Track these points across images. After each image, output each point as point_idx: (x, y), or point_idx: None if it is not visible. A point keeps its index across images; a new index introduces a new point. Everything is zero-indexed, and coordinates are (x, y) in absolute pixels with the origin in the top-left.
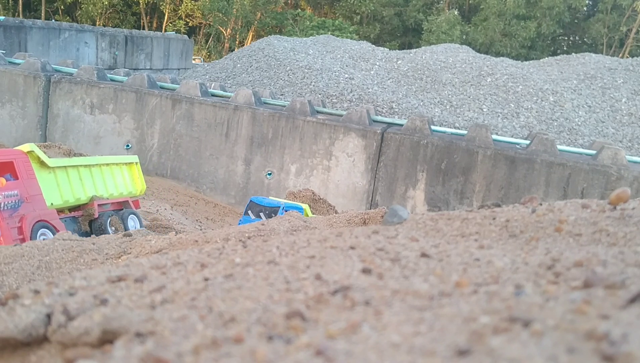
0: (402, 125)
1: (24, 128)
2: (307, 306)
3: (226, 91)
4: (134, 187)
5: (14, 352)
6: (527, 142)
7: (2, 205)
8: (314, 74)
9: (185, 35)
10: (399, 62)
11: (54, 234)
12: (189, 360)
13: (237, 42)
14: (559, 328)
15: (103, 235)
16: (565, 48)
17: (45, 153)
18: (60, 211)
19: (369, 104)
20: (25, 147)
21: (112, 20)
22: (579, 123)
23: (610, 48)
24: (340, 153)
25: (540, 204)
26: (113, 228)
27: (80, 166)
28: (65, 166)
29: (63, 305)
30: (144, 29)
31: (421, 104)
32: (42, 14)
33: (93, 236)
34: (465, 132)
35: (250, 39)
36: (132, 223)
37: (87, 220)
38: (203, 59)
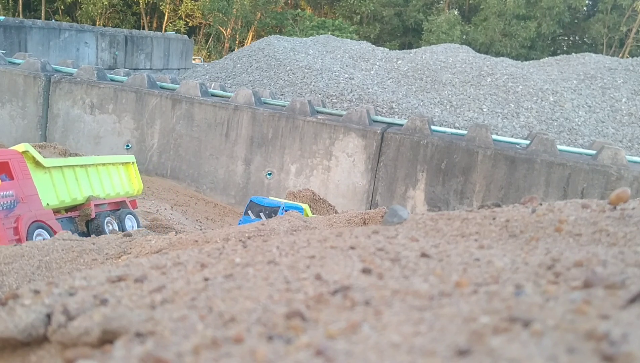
0: (402, 125)
1: (24, 128)
2: (307, 306)
3: (226, 91)
4: (131, 187)
5: (14, 352)
6: (527, 142)
7: None
8: (314, 74)
9: (185, 35)
10: (399, 62)
11: (50, 234)
12: (189, 360)
13: (237, 42)
14: (559, 328)
15: (103, 235)
16: (565, 48)
17: (40, 153)
18: (56, 211)
19: (369, 104)
20: (20, 147)
21: (112, 20)
22: (579, 123)
23: (610, 48)
24: (340, 153)
25: (540, 204)
26: (110, 227)
27: (76, 166)
28: (60, 166)
29: (63, 305)
30: (144, 29)
31: (421, 104)
32: (42, 14)
33: (93, 236)
34: (465, 132)
35: (250, 39)
36: (130, 223)
37: (84, 220)
38: (203, 59)
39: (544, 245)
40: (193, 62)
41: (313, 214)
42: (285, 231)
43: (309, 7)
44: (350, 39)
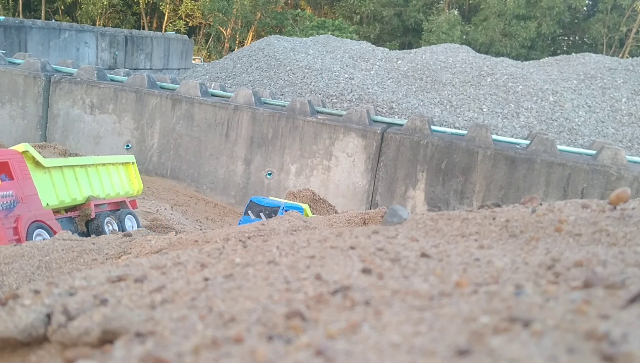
0: (402, 125)
1: (24, 128)
2: (307, 306)
3: (226, 91)
4: (130, 187)
5: (14, 352)
6: (527, 142)
7: None
8: (314, 74)
9: (185, 35)
10: (399, 62)
11: (50, 234)
12: (189, 360)
13: (237, 42)
14: (559, 328)
15: (103, 235)
16: (565, 48)
17: (40, 153)
18: (56, 211)
19: (369, 104)
20: (20, 147)
21: (112, 20)
22: (579, 123)
23: (610, 48)
24: (340, 153)
25: (540, 204)
26: (110, 227)
27: (76, 166)
28: (60, 166)
29: (63, 305)
30: (144, 29)
31: (421, 104)
32: (42, 14)
33: (93, 236)
34: (465, 132)
35: (250, 39)
36: (130, 223)
37: (83, 220)
38: (203, 59)
39: (544, 245)
40: (193, 62)
41: (313, 214)
42: (285, 231)
43: (309, 7)
44: (350, 39)
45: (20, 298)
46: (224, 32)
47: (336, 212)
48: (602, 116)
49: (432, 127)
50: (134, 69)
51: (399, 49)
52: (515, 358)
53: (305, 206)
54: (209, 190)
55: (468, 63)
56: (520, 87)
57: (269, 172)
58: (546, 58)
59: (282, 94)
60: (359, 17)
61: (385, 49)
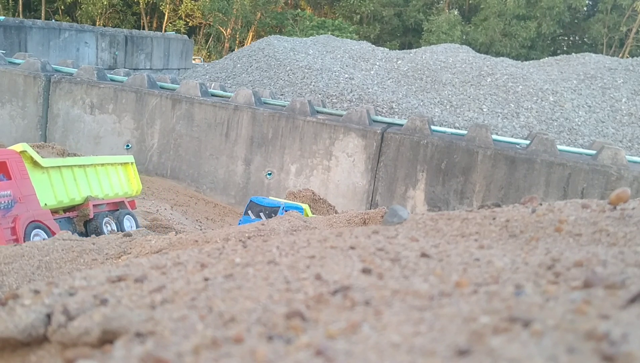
0: (402, 125)
1: (24, 128)
2: (307, 306)
3: (226, 91)
4: (129, 187)
5: (14, 352)
6: (527, 142)
7: None
8: (314, 74)
9: (185, 35)
10: (399, 62)
11: (48, 235)
12: (189, 360)
13: (237, 42)
14: (559, 328)
15: (103, 235)
16: (565, 48)
17: (38, 153)
18: (54, 211)
19: (369, 104)
20: (18, 147)
21: (112, 20)
22: (579, 123)
23: (610, 48)
24: (340, 153)
25: (540, 204)
26: (108, 228)
27: (74, 166)
28: (59, 166)
29: (63, 305)
30: (144, 29)
31: (421, 104)
32: (42, 14)
33: (93, 236)
34: (465, 132)
35: (250, 39)
36: (128, 223)
37: (82, 221)
38: (203, 59)
39: (544, 245)
40: (193, 62)
41: (313, 214)
42: (285, 231)
43: (309, 7)
44: (350, 39)
45: (20, 298)
46: (224, 32)
47: (336, 212)
48: (602, 116)
49: (432, 127)
50: (134, 69)
51: (399, 49)
52: (515, 358)
53: (305, 206)
54: (209, 190)
55: (468, 63)
56: (520, 87)
57: (269, 172)
58: (546, 58)
59: (282, 94)
60: (359, 17)
61: (385, 49)
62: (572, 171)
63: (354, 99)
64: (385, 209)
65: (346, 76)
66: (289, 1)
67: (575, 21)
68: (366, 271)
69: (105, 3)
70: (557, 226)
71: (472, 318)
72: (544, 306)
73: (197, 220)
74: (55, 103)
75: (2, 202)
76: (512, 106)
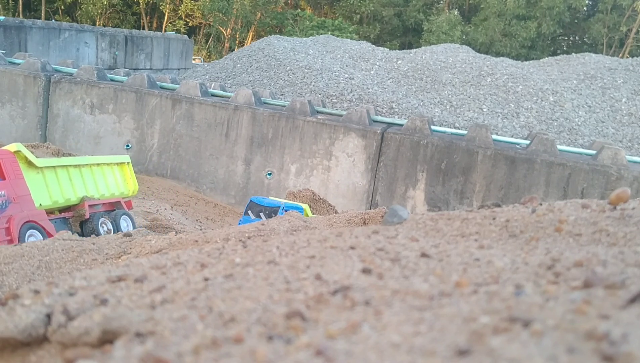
0: (402, 125)
1: (24, 128)
2: (307, 306)
3: (226, 91)
4: (125, 187)
5: (14, 352)
6: (527, 142)
7: None
8: (314, 74)
9: (185, 35)
10: (399, 62)
11: (43, 235)
12: (189, 360)
13: (237, 42)
14: (559, 328)
15: (103, 235)
16: (565, 48)
17: (32, 153)
18: (50, 212)
19: (369, 104)
20: (12, 147)
21: (112, 20)
22: (579, 123)
23: (610, 48)
24: (340, 153)
25: (540, 204)
26: (105, 228)
27: (70, 166)
28: (54, 166)
29: (63, 305)
30: (144, 29)
31: (421, 104)
32: (42, 14)
33: (93, 236)
34: (465, 132)
35: (250, 39)
36: (125, 223)
37: (78, 221)
38: (203, 59)
39: (544, 245)
40: (193, 62)
41: (313, 214)
42: (285, 231)
43: (309, 7)
44: (350, 39)
45: (20, 298)
46: (224, 32)
47: (336, 212)
48: (602, 116)
49: (432, 127)
50: (134, 69)
51: (399, 49)
52: (515, 358)
53: (305, 206)
54: (209, 190)
55: (468, 63)
56: (520, 87)
57: (269, 172)
58: (546, 58)
59: (282, 94)
60: (359, 17)
61: (385, 49)
62: (572, 171)
63: (354, 99)
64: (385, 209)
65: (346, 76)
66: (289, 1)
67: (575, 21)
68: (366, 271)
69: (105, 3)
70: (557, 226)
71: (472, 318)
72: (544, 306)
73: (197, 220)
74: (55, 103)
75: None
76: (512, 106)
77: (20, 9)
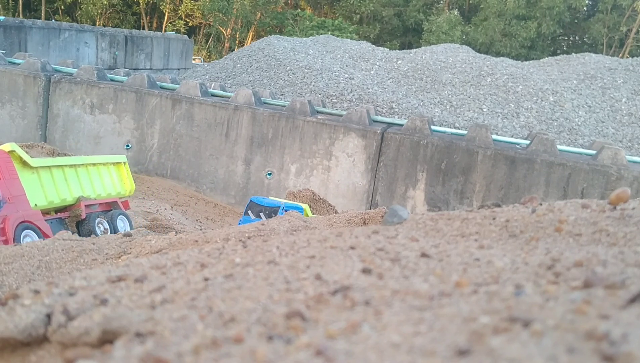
0: (402, 125)
1: (24, 128)
2: (307, 306)
3: (226, 91)
4: (122, 187)
5: (14, 352)
6: (527, 142)
7: None
8: (314, 74)
9: (185, 35)
10: (399, 62)
11: (38, 235)
12: (189, 360)
13: (237, 42)
14: (559, 328)
15: (103, 235)
16: (565, 48)
17: (27, 153)
18: (46, 212)
19: (369, 104)
20: (7, 146)
21: (112, 20)
22: (579, 123)
23: (610, 48)
24: (340, 153)
25: (540, 204)
26: (101, 228)
27: (65, 166)
28: (49, 166)
29: (63, 305)
30: (144, 29)
31: (421, 104)
32: (42, 14)
33: (93, 236)
34: (465, 132)
35: (250, 39)
36: (122, 224)
37: (74, 221)
38: (203, 59)
39: (544, 245)
40: (193, 62)
41: (313, 214)
42: (285, 231)
43: (309, 7)
44: (350, 39)
45: (20, 298)
46: (224, 32)
47: (336, 212)
48: (602, 116)
49: (432, 127)
50: (134, 69)
51: (399, 49)
52: (515, 358)
53: (305, 206)
54: (209, 190)
55: (468, 63)
56: (520, 87)
57: (269, 172)
58: (546, 58)
59: (282, 94)
60: (358, 17)
61: (385, 49)
62: (572, 171)
63: (354, 99)
64: (385, 209)
65: (346, 76)
66: (289, 1)
67: (575, 21)
68: (366, 271)
69: (105, 3)
70: (557, 226)
71: (472, 318)
72: (544, 306)
73: (197, 220)
74: (55, 103)
75: None
76: (512, 106)
77: (20, 9)
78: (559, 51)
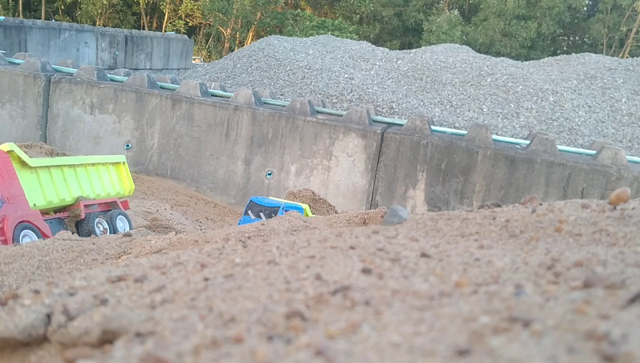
0: (402, 125)
1: (24, 128)
2: (307, 306)
3: (226, 91)
4: (121, 187)
5: (14, 352)
6: (527, 142)
7: None
8: (314, 74)
9: (185, 35)
10: (399, 62)
11: (37, 235)
12: (189, 360)
13: (237, 42)
14: (559, 328)
15: (103, 235)
16: (565, 48)
17: (26, 152)
18: (45, 212)
19: (369, 104)
20: (5, 146)
21: (112, 20)
22: (579, 123)
23: (610, 48)
24: (340, 153)
25: (540, 204)
26: (100, 228)
27: (64, 166)
28: (47, 166)
29: (63, 305)
30: (144, 29)
31: (421, 104)
32: (42, 14)
33: (93, 236)
34: (465, 132)
35: (250, 39)
36: (121, 223)
37: (73, 221)
38: (203, 59)
39: (544, 245)
40: (193, 62)
41: (313, 214)
42: (285, 231)
43: (309, 7)
44: (350, 39)
45: (20, 298)
46: (224, 32)
47: (336, 212)
48: (602, 116)
49: (432, 127)
50: (134, 69)
51: (399, 49)
52: (515, 358)
53: (305, 206)
54: (209, 190)
55: (468, 63)
56: (520, 87)
57: (269, 172)
58: (546, 58)
59: (282, 94)
60: (358, 17)
61: (385, 49)
62: (572, 171)
63: (354, 99)
64: (385, 209)
65: (346, 76)
66: (289, 1)
67: (575, 21)
68: (366, 271)
69: (105, 3)
70: (557, 226)
71: (472, 318)
72: (544, 306)
73: (197, 220)
74: (55, 103)
75: None
76: (512, 106)
77: (20, 9)
78: (559, 51)
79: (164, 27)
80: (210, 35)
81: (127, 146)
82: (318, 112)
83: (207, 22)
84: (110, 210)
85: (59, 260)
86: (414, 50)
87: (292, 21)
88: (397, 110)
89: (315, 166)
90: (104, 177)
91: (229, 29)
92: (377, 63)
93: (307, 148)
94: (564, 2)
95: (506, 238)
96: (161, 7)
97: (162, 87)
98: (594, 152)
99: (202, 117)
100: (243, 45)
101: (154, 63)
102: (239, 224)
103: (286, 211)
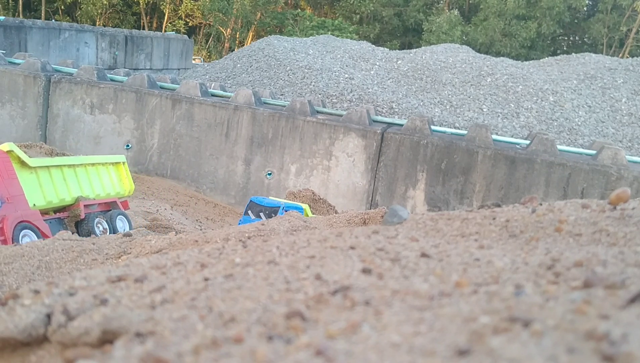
0: (402, 125)
1: (24, 128)
2: (307, 306)
3: (226, 91)
4: (121, 187)
5: (14, 352)
6: (527, 142)
7: None
8: (314, 74)
9: (185, 35)
10: (399, 62)
11: (37, 235)
12: (189, 360)
13: (237, 42)
14: (559, 328)
15: (103, 235)
16: (565, 48)
17: (26, 152)
18: (45, 212)
19: (369, 104)
20: (5, 146)
21: (112, 20)
22: (579, 123)
23: (610, 48)
24: (340, 153)
25: (540, 204)
26: (100, 228)
27: (64, 166)
28: (47, 166)
29: (63, 305)
30: (144, 29)
31: (421, 104)
32: (42, 14)
33: (93, 236)
34: (465, 132)
35: (250, 39)
36: (121, 224)
37: (73, 221)
38: (203, 59)
39: (544, 245)
40: (193, 62)
41: (313, 214)
42: (285, 231)
43: (309, 7)
44: (350, 39)
45: (20, 298)
46: (224, 32)
47: (336, 212)
48: (602, 116)
49: (432, 127)
50: (134, 69)
51: (399, 49)
52: (515, 358)
53: (305, 206)
54: (209, 190)
55: (468, 63)
56: (520, 87)
57: (269, 172)
58: (546, 58)
59: (282, 94)
60: (358, 17)
61: (385, 49)
62: (572, 171)
63: (354, 99)
64: (385, 209)
65: (346, 76)
66: (289, 1)
67: (575, 21)
68: (366, 271)
69: (105, 3)
70: (557, 226)
71: (472, 318)
72: (544, 306)
73: (197, 220)
74: (55, 103)
75: None
76: (512, 106)
77: (20, 9)
78: (559, 51)
79: (164, 27)
80: (210, 35)
81: (127, 146)
82: (318, 112)
83: (207, 22)
84: (110, 210)
85: (59, 260)
86: (414, 50)
87: (292, 21)
88: (397, 110)
89: (315, 166)
90: (103, 177)
91: (229, 29)
92: (377, 63)
93: (307, 148)
94: (564, 2)
95: (506, 238)
96: (161, 7)
97: (162, 87)
98: (594, 152)
99: (202, 117)
100: (243, 45)
101: (154, 63)
102: (239, 224)
103: (286, 211)
